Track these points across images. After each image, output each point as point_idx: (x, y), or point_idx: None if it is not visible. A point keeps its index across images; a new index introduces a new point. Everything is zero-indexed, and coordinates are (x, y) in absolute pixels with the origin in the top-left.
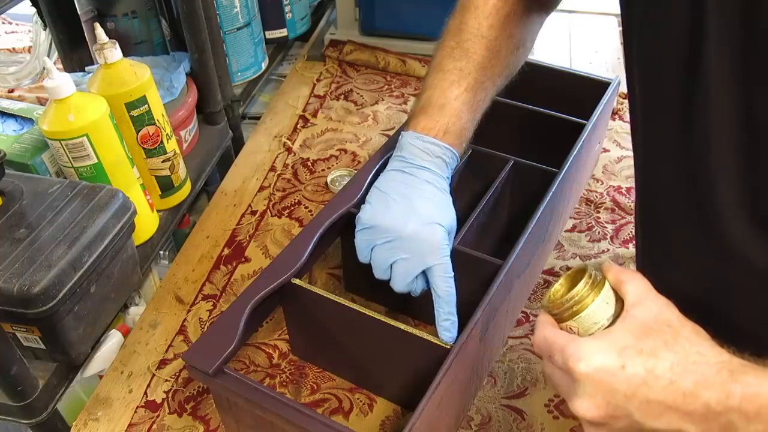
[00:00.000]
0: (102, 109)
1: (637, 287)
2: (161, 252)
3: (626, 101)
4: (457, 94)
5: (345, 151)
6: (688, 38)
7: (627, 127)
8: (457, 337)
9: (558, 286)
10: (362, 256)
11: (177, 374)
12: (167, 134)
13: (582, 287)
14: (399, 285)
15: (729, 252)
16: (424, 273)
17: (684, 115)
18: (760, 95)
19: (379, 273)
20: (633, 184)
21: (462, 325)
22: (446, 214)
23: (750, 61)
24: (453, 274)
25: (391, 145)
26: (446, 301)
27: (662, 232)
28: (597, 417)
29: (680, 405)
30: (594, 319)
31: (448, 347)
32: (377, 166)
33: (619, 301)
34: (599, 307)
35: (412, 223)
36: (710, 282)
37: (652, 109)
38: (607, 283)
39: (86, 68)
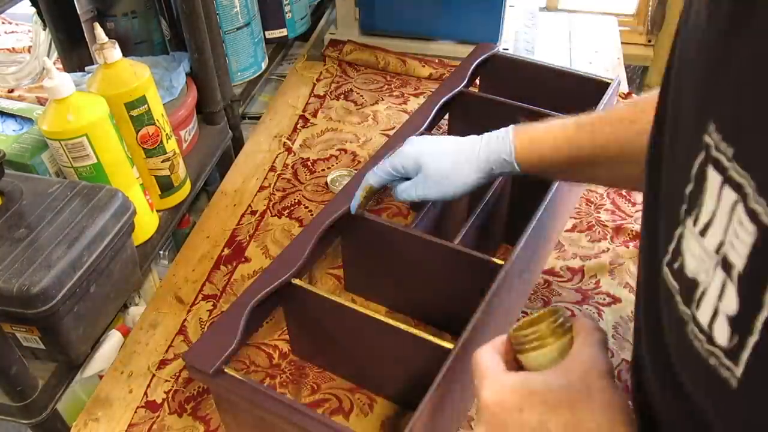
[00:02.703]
0: (102, 109)
1: (586, 342)
2: (161, 252)
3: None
4: (565, 123)
5: (345, 151)
6: None
7: None
8: (458, 337)
9: (531, 318)
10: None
11: (177, 374)
12: (167, 134)
13: (542, 328)
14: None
15: None
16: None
17: None
18: None
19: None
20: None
21: (462, 325)
22: (434, 154)
23: None
24: (384, 173)
25: (391, 144)
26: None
27: None
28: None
29: None
30: (539, 363)
31: (449, 347)
32: None
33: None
34: (550, 354)
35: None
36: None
37: None
38: (570, 335)
39: (86, 68)
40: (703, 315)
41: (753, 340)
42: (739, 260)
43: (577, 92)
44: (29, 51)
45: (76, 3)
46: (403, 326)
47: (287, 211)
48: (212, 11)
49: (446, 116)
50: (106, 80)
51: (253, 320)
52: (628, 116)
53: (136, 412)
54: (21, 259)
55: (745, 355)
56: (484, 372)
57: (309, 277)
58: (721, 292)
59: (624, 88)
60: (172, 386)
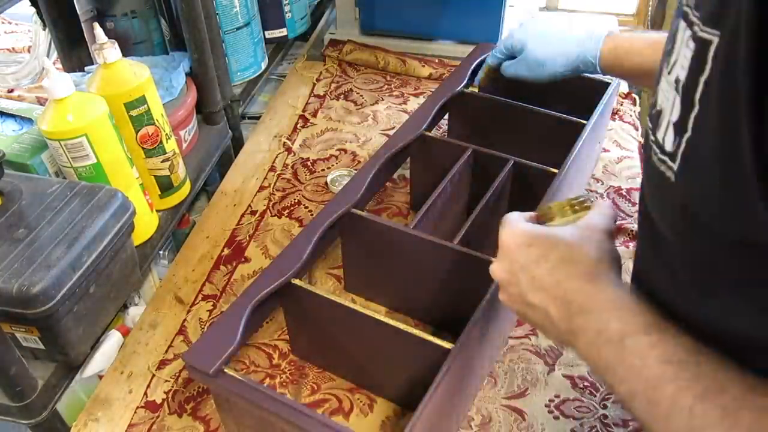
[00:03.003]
0: (101, 109)
1: (598, 212)
2: (161, 252)
3: (626, 101)
4: (648, 37)
5: (345, 150)
6: None
7: (627, 127)
8: (458, 337)
9: (562, 201)
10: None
11: (177, 375)
12: (166, 134)
13: (564, 203)
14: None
15: None
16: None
17: None
18: None
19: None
20: (632, 185)
21: (462, 325)
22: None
23: None
24: (498, 53)
25: (390, 145)
26: None
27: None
28: (500, 278)
29: (550, 289)
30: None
31: (449, 347)
32: (377, 166)
33: None
34: (568, 223)
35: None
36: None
37: None
38: (589, 211)
39: (86, 68)
40: (660, 133)
41: (687, 136)
42: (682, 73)
43: (577, 92)
44: (29, 51)
45: (75, 3)
46: (403, 326)
47: (287, 211)
48: (212, 11)
49: (446, 116)
50: (105, 80)
51: (253, 320)
52: None
53: (135, 412)
54: (21, 259)
55: (680, 150)
56: (508, 221)
57: (309, 277)
58: (672, 106)
59: (624, 88)
60: (172, 386)
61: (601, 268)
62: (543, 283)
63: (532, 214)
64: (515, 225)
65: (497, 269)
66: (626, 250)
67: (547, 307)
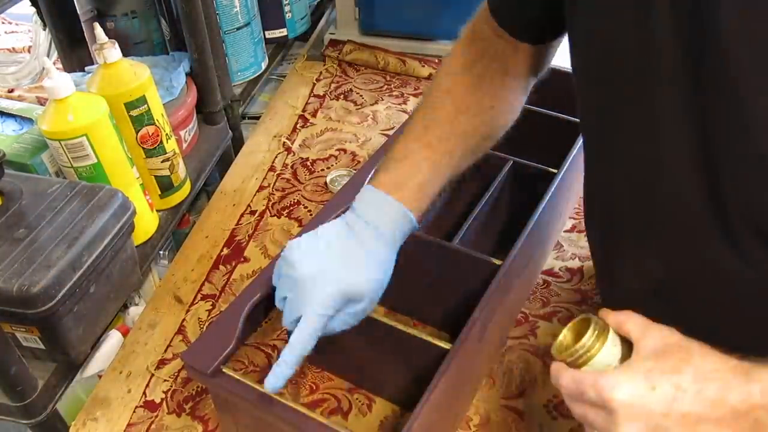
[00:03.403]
0: (101, 109)
1: (638, 322)
2: (161, 252)
3: None
4: (416, 148)
5: (344, 151)
6: (639, 59)
7: None
8: (456, 337)
9: (562, 338)
10: (273, 281)
11: (176, 374)
12: (167, 134)
13: (591, 335)
14: (284, 320)
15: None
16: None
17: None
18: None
19: (276, 301)
20: None
21: (461, 325)
22: (357, 275)
23: (701, 88)
24: (317, 335)
25: (390, 144)
26: (291, 347)
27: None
28: None
29: (710, 413)
30: (607, 362)
31: (448, 347)
32: (377, 166)
33: (625, 342)
34: (609, 349)
35: (310, 269)
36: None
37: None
38: (610, 328)
39: (86, 68)
40: None
41: None
42: None
43: None
44: (29, 51)
45: (76, 3)
46: (402, 326)
47: (286, 211)
48: (212, 11)
49: None
50: (106, 80)
51: (251, 320)
52: (454, 110)
53: (134, 411)
54: (21, 259)
55: None
56: (596, 381)
57: None
58: None
59: None
60: (171, 386)
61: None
62: (698, 412)
63: (557, 367)
64: (615, 380)
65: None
66: None
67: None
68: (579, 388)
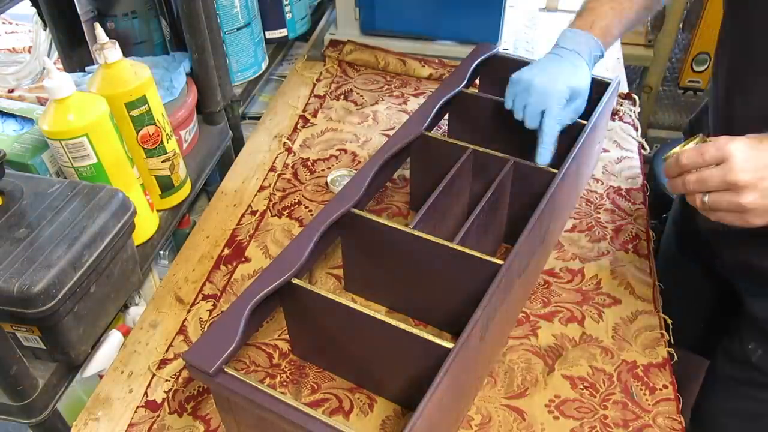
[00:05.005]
0: (102, 109)
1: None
2: (161, 252)
3: (626, 101)
4: (604, 1)
5: (345, 151)
6: None
7: (627, 127)
8: (458, 337)
9: (674, 151)
10: (507, 104)
11: (177, 374)
12: (167, 134)
13: (699, 141)
14: (528, 121)
15: None
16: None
17: None
18: None
19: (517, 115)
20: (632, 185)
21: (462, 325)
22: (573, 79)
23: None
24: (557, 123)
25: (390, 145)
26: (545, 133)
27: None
28: (751, 179)
29: None
30: None
31: (449, 347)
32: (377, 166)
33: None
34: None
35: (542, 78)
36: None
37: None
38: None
39: (86, 68)
40: None
41: None
42: None
43: None
44: (29, 51)
45: (76, 3)
46: (403, 326)
47: (287, 211)
48: (212, 11)
49: (446, 116)
50: (106, 80)
51: (253, 320)
52: None
53: (136, 411)
54: (21, 259)
55: None
56: (716, 140)
57: (309, 277)
58: None
59: (624, 88)
60: (172, 386)
61: None
62: None
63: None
64: (730, 138)
65: (742, 175)
66: (625, 255)
67: None
68: (700, 151)
